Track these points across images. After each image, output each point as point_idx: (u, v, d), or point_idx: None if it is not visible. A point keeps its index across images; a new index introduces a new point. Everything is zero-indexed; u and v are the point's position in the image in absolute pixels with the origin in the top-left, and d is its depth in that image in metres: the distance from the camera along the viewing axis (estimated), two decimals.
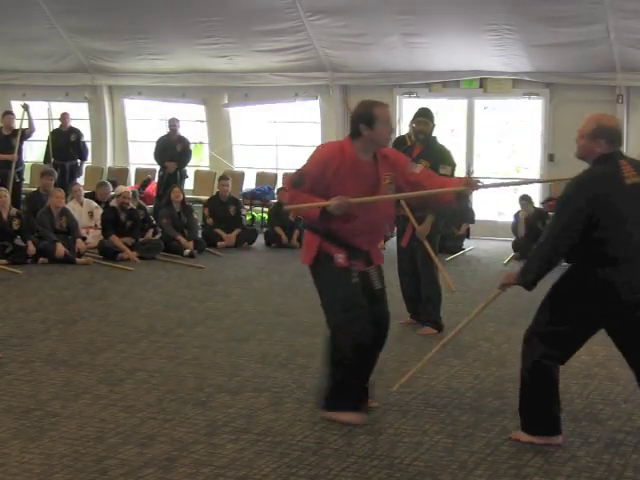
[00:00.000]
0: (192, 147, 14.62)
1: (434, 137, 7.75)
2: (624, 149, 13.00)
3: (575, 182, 4.56)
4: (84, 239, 11.64)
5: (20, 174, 13.81)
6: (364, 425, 4.99)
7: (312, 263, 5.09)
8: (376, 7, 13.03)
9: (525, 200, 12.62)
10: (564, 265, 4.74)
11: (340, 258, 5.03)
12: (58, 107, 16.13)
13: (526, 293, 9.58)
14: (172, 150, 14.07)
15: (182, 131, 14.48)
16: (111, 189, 13.47)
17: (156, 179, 15.07)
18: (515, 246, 12.40)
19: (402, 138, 11.61)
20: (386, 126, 5.09)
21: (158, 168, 14.49)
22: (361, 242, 5.10)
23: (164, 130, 15.52)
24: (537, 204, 13.10)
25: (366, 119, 5.03)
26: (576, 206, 4.45)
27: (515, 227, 12.60)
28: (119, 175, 16.06)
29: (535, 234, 12.22)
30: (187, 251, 11.77)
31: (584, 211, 4.43)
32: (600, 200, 4.42)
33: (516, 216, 12.73)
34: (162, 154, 14.11)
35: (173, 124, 14.32)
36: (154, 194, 14.39)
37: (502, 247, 13.01)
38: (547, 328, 4.60)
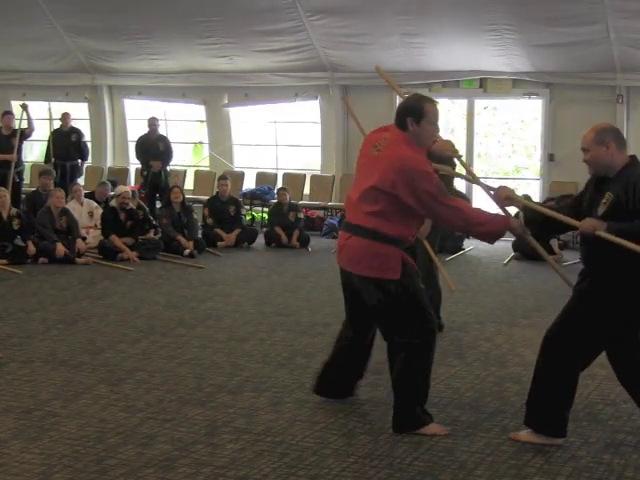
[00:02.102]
0: (172, 145, 14.62)
1: None
2: None
3: None
4: (84, 239, 11.64)
5: (20, 174, 13.81)
6: (364, 425, 4.99)
7: (401, 276, 4.83)
8: (376, 7, 13.03)
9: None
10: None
11: (415, 266, 4.98)
12: (58, 107, 16.12)
13: (527, 294, 9.61)
14: (155, 149, 14.10)
15: (181, 131, 14.49)
16: (110, 189, 13.49)
17: (133, 180, 15.22)
18: (515, 246, 12.39)
19: None
20: (433, 126, 4.88)
21: (139, 167, 14.54)
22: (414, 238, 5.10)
23: (164, 130, 15.56)
24: None
25: (415, 113, 4.83)
26: None
27: None
28: (119, 175, 16.07)
29: (535, 234, 12.23)
30: (187, 251, 11.77)
31: None
32: None
33: (516, 216, 12.70)
34: (145, 153, 14.15)
35: (153, 123, 14.35)
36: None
37: (502, 247, 12.99)
38: (580, 336, 4.54)
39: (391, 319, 4.94)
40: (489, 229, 4.90)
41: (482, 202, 14.72)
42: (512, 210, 5.16)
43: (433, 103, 4.91)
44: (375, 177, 4.80)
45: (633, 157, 4.60)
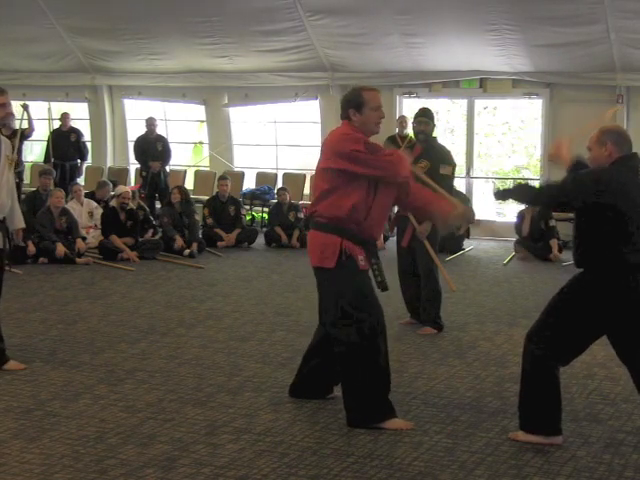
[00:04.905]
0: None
1: (434, 137, 7.77)
2: None
3: (603, 168, 4.52)
4: (84, 239, 11.64)
5: (20, 174, 13.81)
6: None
7: (336, 265, 4.90)
8: (376, 7, 13.03)
9: None
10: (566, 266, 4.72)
11: (362, 260, 4.97)
12: (58, 107, 16.13)
13: (527, 294, 9.61)
14: (153, 149, 14.10)
15: (181, 131, 14.49)
16: (111, 189, 13.50)
17: (133, 180, 15.20)
18: (516, 246, 12.38)
19: (393, 137, 11.62)
20: (376, 112, 4.99)
21: (139, 167, 14.58)
22: (377, 231, 5.12)
23: (164, 130, 15.57)
24: None
25: (355, 103, 4.97)
26: (594, 180, 4.44)
27: (519, 226, 12.58)
28: (119, 175, 16.07)
29: (538, 234, 12.24)
30: (187, 251, 11.77)
31: (602, 193, 4.39)
32: (618, 188, 4.41)
33: (519, 216, 12.70)
34: (143, 154, 14.15)
35: (151, 123, 14.35)
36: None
37: (502, 247, 13.01)
38: (555, 331, 4.57)
39: (327, 312, 5.04)
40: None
41: (481, 202, 14.77)
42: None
43: (372, 90, 5.04)
44: (318, 167, 5.09)
45: (622, 157, 4.54)
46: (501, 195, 4.77)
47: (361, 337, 4.91)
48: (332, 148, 4.97)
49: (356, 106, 4.95)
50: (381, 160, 4.93)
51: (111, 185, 13.70)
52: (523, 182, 5.01)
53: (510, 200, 4.74)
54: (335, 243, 4.92)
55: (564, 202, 4.61)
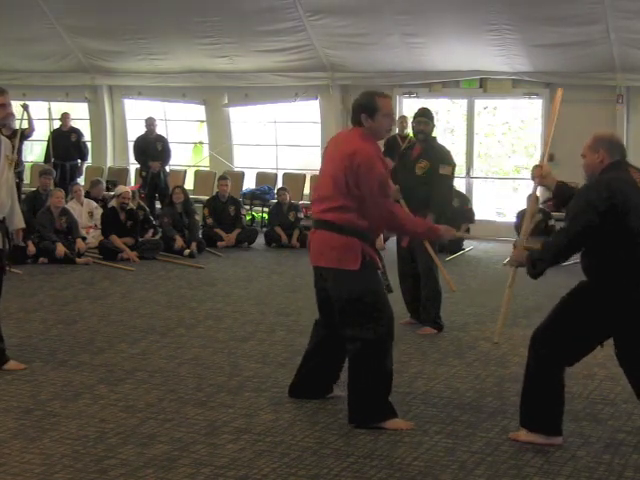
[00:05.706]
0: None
1: (434, 137, 7.77)
2: None
3: (588, 184, 4.54)
4: (84, 239, 11.64)
5: (20, 174, 13.82)
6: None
7: (360, 267, 4.91)
8: (376, 7, 13.03)
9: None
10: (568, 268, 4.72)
11: (379, 262, 5.03)
12: (58, 107, 16.13)
13: (527, 294, 9.61)
14: (153, 149, 14.10)
15: (181, 131, 14.49)
16: (105, 187, 13.51)
17: (133, 180, 15.18)
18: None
19: (393, 137, 11.62)
20: (388, 118, 5.04)
21: (138, 167, 14.60)
22: (380, 234, 5.22)
23: (164, 130, 15.57)
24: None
25: (368, 109, 4.99)
26: (595, 197, 4.41)
27: (519, 227, 12.56)
28: (119, 175, 16.08)
29: (538, 235, 12.24)
30: (187, 251, 11.77)
31: (605, 201, 4.36)
32: (618, 195, 4.39)
33: (519, 216, 12.69)
34: (143, 154, 14.15)
35: (150, 123, 14.35)
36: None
37: (502, 247, 13.00)
38: (562, 333, 4.58)
39: (345, 312, 5.02)
40: (415, 231, 5.48)
41: (481, 202, 14.76)
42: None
43: (385, 96, 5.10)
44: (332, 172, 5.04)
45: (612, 163, 4.54)
46: (539, 271, 4.85)
47: (376, 336, 4.94)
48: (359, 170, 4.87)
49: (369, 112, 4.98)
50: (383, 209, 5.01)
51: (104, 183, 13.71)
52: (537, 249, 4.98)
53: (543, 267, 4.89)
54: (357, 245, 4.94)
55: (588, 231, 4.50)
